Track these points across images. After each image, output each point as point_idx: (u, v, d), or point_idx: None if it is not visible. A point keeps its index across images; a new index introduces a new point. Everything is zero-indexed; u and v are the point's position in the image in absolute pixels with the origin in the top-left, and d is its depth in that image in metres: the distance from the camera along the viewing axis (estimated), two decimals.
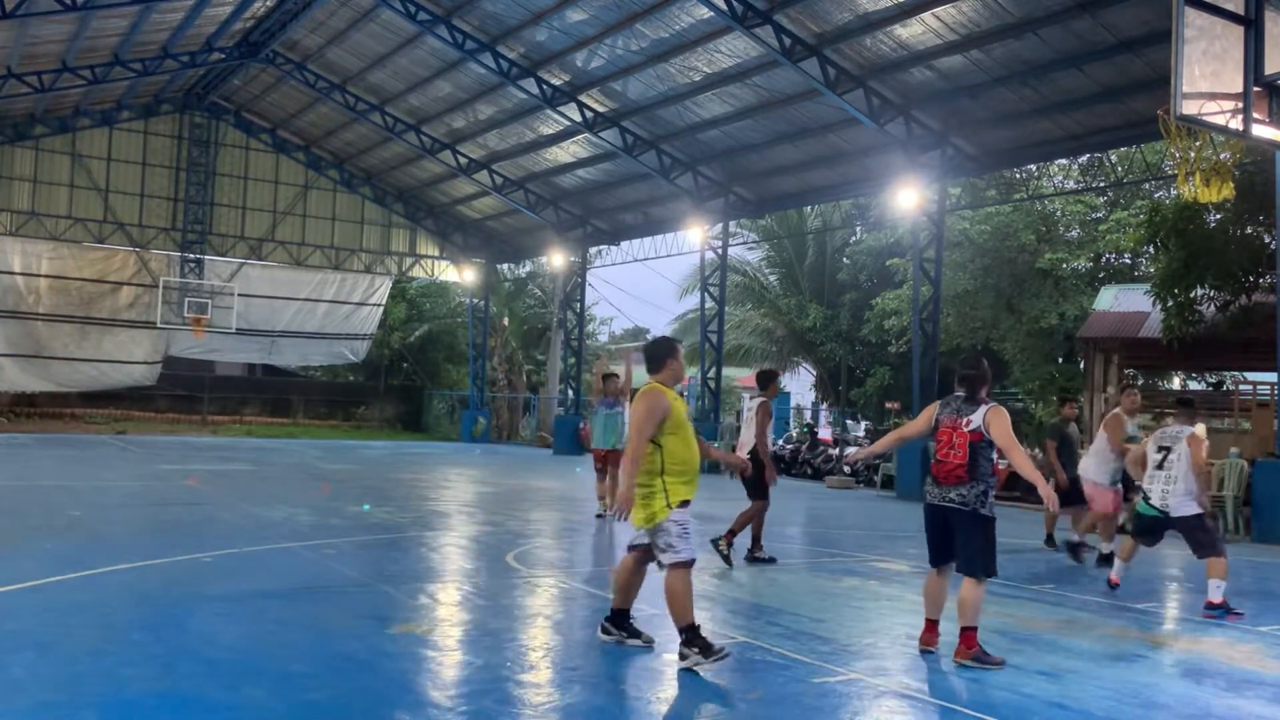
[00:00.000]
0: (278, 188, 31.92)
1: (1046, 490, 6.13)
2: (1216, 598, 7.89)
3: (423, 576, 8.81)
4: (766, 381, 10.06)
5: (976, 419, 6.09)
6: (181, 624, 6.45)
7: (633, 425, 5.80)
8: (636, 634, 6.15)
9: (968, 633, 6.03)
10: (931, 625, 6.27)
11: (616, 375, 13.78)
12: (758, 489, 9.64)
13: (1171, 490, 8.15)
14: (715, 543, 9.51)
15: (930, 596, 6.32)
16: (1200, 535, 8.12)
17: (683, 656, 5.63)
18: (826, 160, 21.55)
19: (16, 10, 17.91)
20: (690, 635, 5.63)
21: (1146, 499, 8.37)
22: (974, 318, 24.71)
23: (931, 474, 6.26)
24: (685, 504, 5.78)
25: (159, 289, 30.18)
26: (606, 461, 12.96)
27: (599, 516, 12.73)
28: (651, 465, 5.74)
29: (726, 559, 9.41)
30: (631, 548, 6.10)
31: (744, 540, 9.82)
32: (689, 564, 5.74)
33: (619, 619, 6.18)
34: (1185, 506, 8.11)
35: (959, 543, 6.14)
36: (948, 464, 6.11)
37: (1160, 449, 8.41)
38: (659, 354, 6.01)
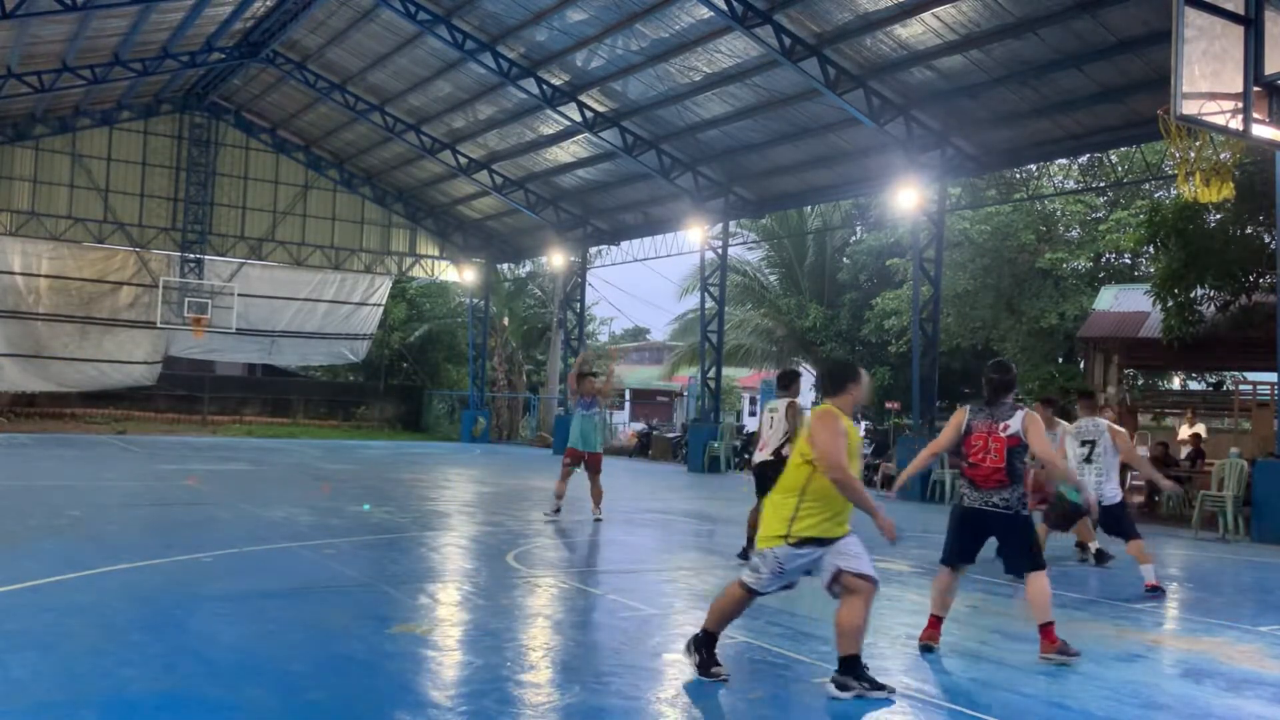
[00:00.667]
0: (278, 188, 31.92)
1: (1090, 496, 6.14)
2: (1152, 579, 8.64)
3: (423, 576, 8.81)
4: (790, 381, 9.94)
5: (1015, 424, 6.07)
6: (181, 624, 6.44)
7: (821, 449, 5.18)
8: (874, 683, 5.29)
9: (1048, 628, 6.06)
10: (936, 622, 6.24)
11: (594, 375, 13.42)
12: None
13: (1104, 481, 8.89)
14: None
15: (941, 593, 6.26)
16: (1123, 523, 9.02)
17: (686, 651, 5.57)
18: (826, 160, 21.55)
19: (16, 10, 17.90)
20: (704, 641, 5.48)
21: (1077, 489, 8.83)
22: (974, 318, 24.71)
23: (967, 478, 6.21)
24: (807, 543, 5.21)
25: (159, 289, 30.17)
26: (578, 463, 12.55)
27: (597, 520, 12.43)
28: (795, 482, 5.28)
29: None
30: (831, 586, 5.36)
31: (736, 540, 9.83)
32: (755, 594, 5.42)
33: (849, 665, 5.28)
34: (1113, 496, 8.94)
35: (1004, 545, 6.18)
36: (984, 468, 6.09)
37: (1084, 443, 9.02)
38: (842, 377, 5.56)
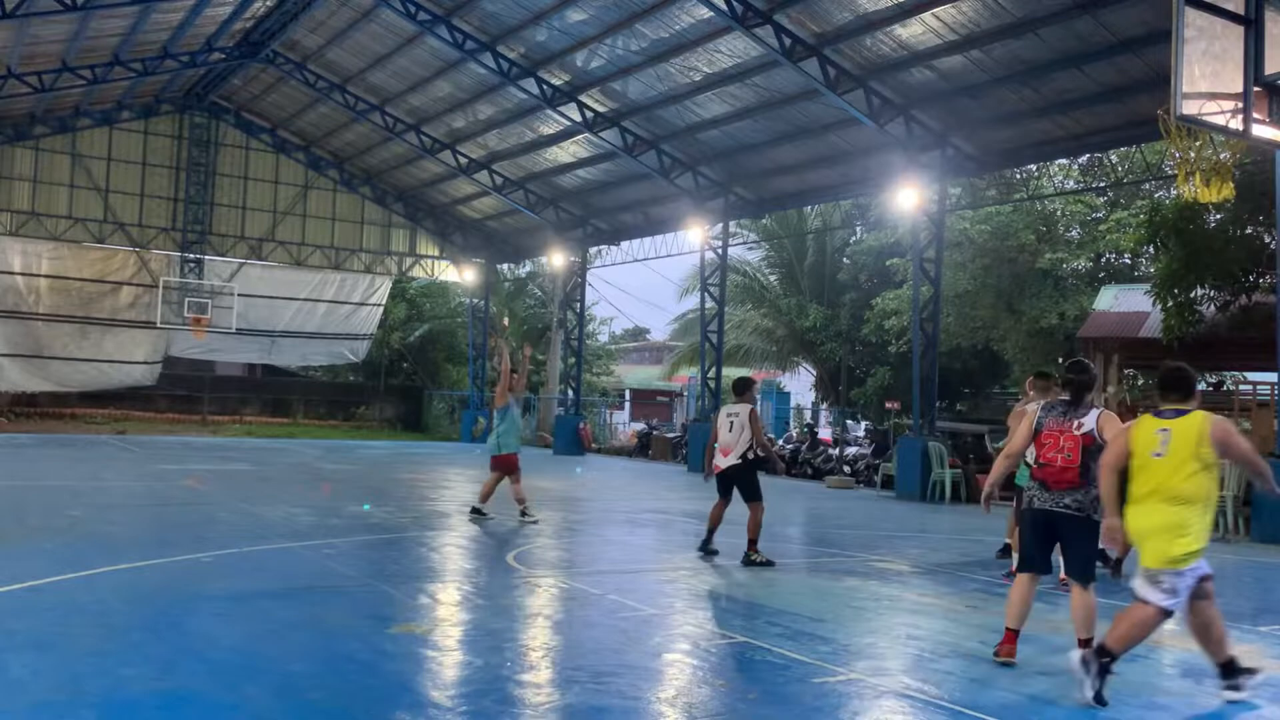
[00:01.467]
0: (278, 188, 31.92)
1: None
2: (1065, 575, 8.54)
3: (423, 576, 8.82)
4: (745, 388, 10.29)
5: (1089, 422, 5.94)
6: (181, 624, 6.45)
7: (1243, 452, 5.50)
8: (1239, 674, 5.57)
9: (1087, 644, 5.90)
10: (1013, 636, 6.02)
11: (514, 371, 12.70)
12: (755, 491, 9.72)
13: None
14: (749, 559, 9.54)
15: (1019, 604, 6.05)
16: None
17: (1092, 671, 5.34)
18: (826, 160, 21.55)
19: (16, 10, 17.91)
20: (1109, 660, 5.36)
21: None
22: (974, 318, 24.68)
23: (1037, 479, 6.05)
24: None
25: (159, 289, 30.16)
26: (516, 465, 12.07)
27: (477, 515, 12.06)
28: (1201, 492, 5.31)
29: (768, 562, 9.50)
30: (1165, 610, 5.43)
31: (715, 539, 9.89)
32: (1169, 615, 5.43)
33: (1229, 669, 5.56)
34: None
35: (1068, 548, 6.03)
36: (1056, 467, 5.94)
37: None
38: (1194, 382, 5.79)
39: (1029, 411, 9.14)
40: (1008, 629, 6.06)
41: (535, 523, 11.92)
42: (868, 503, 18.02)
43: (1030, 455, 8.83)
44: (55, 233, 29.09)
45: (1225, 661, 5.56)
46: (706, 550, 9.89)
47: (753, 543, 9.60)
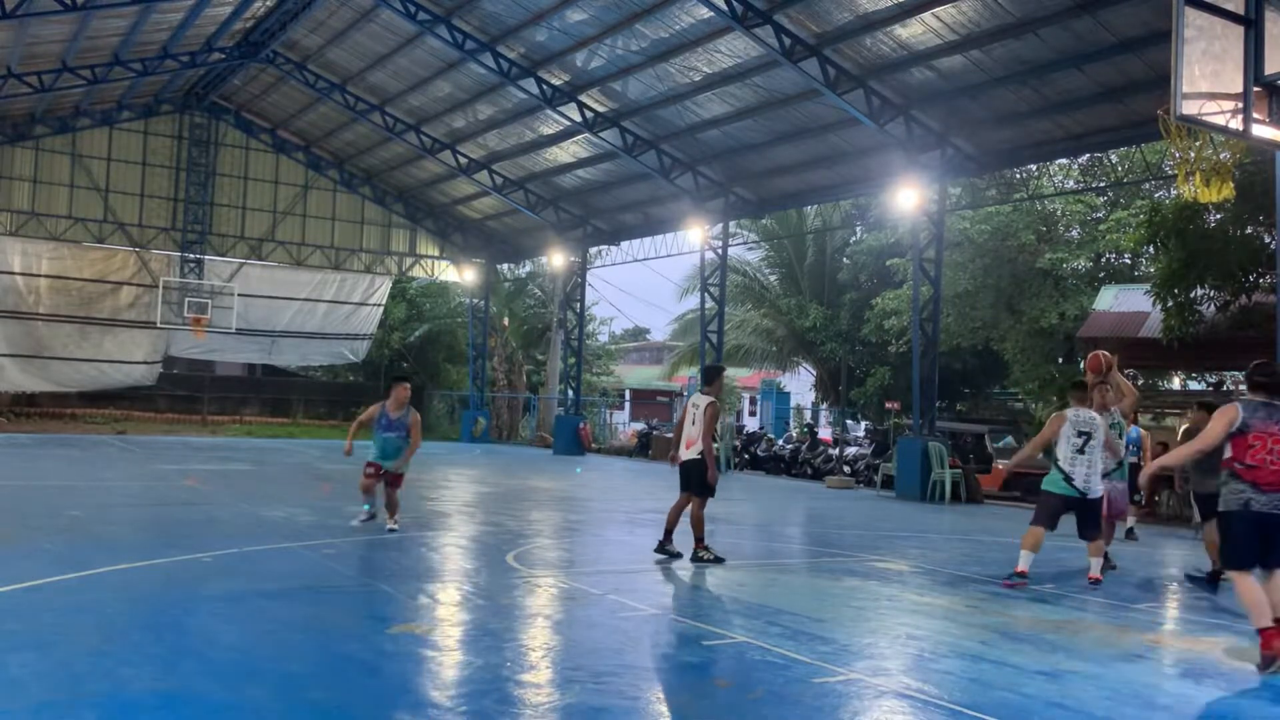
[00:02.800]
0: (278, 188, 31.92)
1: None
2: (1098, 574, 9.10)
3: (423, 576, 8.81)
4: (713, 377, 10.00)
5: None
6: (181, 624, 6.44)
7: None
8: None
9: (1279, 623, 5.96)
10: (1276, 631, 5.88)
11: (408, 381, 11.90)
12: (705, 487, 9.57)
13: (1092, 474, 8.91)
14: (697, 558, 9.51)
15: (1261, 601, 5.96)
16: (1095, 518, 9.14)
17: None
18: (826, 160, 21.55)
19: (16, 10, 17.91)
20: None
21: (1070, 481, 8.90)
22: (974, 318, 24.70)
23: (1251, 481, 5.95)
24: None
25: (159, 289, 30.17)
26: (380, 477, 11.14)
27: (372, 519, 11.39)
28: None
29: (717, 559, 9.49)
30: None
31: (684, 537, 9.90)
32: None
33: None
34: (1098, 491, 9.02)
35: None
36: (1269, 470, 5.88)
37: (1080, 434, 8.97)
38: None
39: (1066, 417, 9.16)
40: (1263, 629, 5.89)
41: (362, 519, 11.33)
42: (868, 503, 18.02)
43: (1080, 452, 8.88)
44: (55, 233, 29.09)
45: None
46: (664, 552, 9.73)
47: (699, 540, 9.56)
